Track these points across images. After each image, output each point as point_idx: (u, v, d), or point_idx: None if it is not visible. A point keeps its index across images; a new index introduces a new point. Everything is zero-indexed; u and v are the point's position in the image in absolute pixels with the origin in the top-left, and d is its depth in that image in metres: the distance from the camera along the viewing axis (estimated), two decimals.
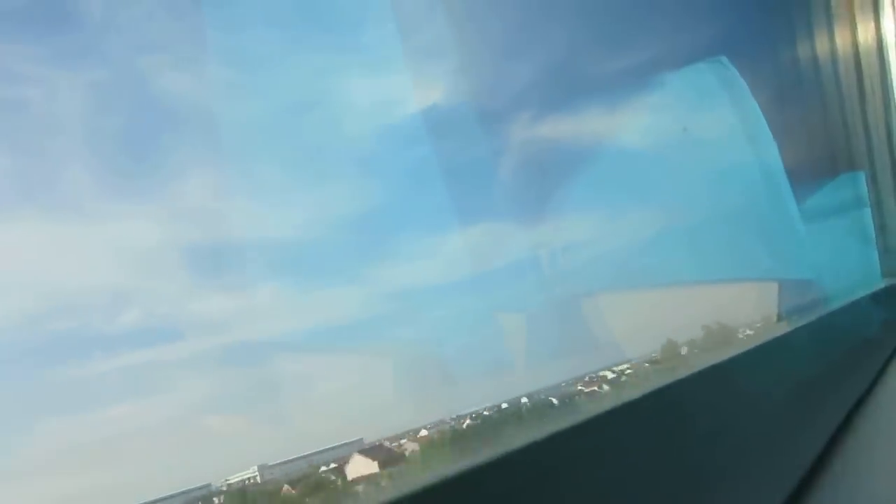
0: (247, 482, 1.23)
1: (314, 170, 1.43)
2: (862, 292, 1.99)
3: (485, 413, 1.53)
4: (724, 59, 2.17)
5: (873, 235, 2.79)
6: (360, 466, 1.28)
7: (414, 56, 1.54)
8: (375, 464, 1.29)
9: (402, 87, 1.55)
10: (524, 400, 1.59)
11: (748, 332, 1.96)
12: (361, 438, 1.33)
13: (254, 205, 1.36)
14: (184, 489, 1.13)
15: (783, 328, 1.59)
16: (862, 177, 2.86)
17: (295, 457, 1.28)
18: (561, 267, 1.79)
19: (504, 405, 1.57)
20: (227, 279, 1.30)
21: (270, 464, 1.23)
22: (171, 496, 1.09)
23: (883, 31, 2.67)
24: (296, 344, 1.33)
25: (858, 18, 2.69)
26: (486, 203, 1.67)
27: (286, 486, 1.24)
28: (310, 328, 1.37)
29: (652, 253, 1.96)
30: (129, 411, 1.12)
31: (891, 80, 2.69)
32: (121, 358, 1.17)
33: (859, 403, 1.25)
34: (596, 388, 1.67)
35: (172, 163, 1.26)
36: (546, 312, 1.70)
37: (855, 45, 2.71)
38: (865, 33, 2.69)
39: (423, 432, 1.43)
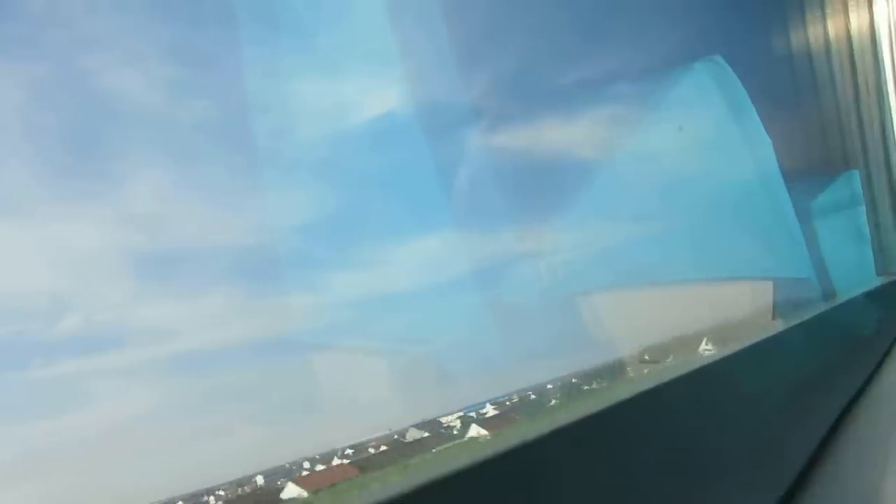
0: None
1: (267, 174, 1.39)
2: (857, 290, 1.99)
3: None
4: (719, 57, 2.16)
5: (868, 233, 2.80)
6: None
7: (371, 60, 1.52)
8: None
9: (358, 91, 1.53)
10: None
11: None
12: None
13: (204, 209, 1.32)
14: None
15: (777, 326, 1.59)
16: (857, 175, 2.87)
17: None
18: (522, 276, 1.76)
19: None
20: (174, 285, 1.26)
21: None
22: None
23: (877, 27, 2.68)
24: (246, 354, 1.30)
25: (852, 13, 2.69)
26: (442, 211, 1.65)
27: None
28: (262, 337, 1.33)
29: (649, 252, 1.95)
30: (67, 423, 1.08)
31: (884, 77, 2.69)
32: (60, 366, 1.12)
33: (854, 402, 1.25)
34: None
35: (118, 163, 1.21)
36: (503, 323, 1.68)
37: (849, 41, 2.71)
38: (859, 30, 2.69)
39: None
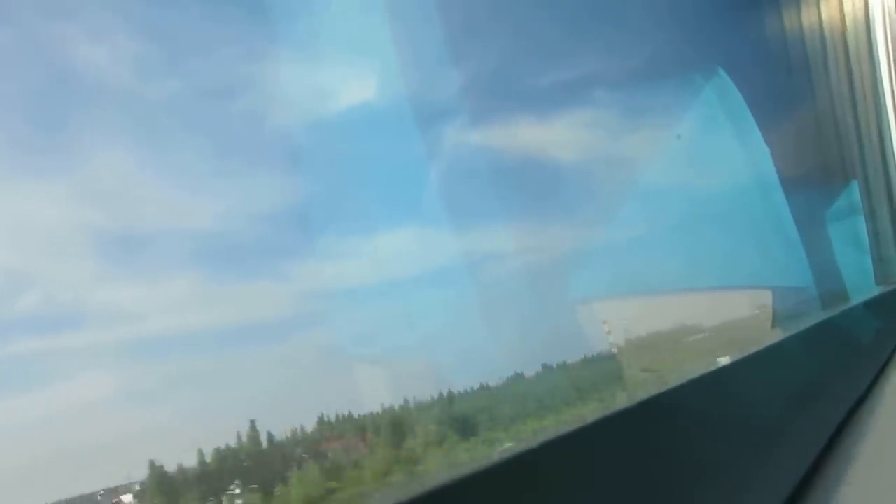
0: None
1: (237, 159, 1.36)
2: (857, 299, 1.99)
3: None
4: (720, 68, 2.17)
5: (867, 243, 2.81)
6: None
7: (350, 49, 1.50)
8: None
9: (336, 79, 1.50)
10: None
11: None
12: None
13: (171, 191, 1.29)
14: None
15: (778, 335, 1.59)
16: (856, 186, 2.88)
17: None
18: (486, 276, 1.73)
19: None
20: (137, 268, 1.22)
21: None
22: None
23: (874, 33, 2.69)
24: (207, 340, 1.26)
25: (848, 18, 2.70)
26: (413, 206, 1.63)
27: None
28: (224, 324, 1.30)
29: (635, 257, 1.94)
30: (20, 403, 1.05)
31: (881, 83, 2.70)
32: (16, 345, 1.09)
33: (855, 410, 1.26)
34: None
35: (82, 140, 1.17)
36: (464, 323, 1.64)
37: (846, 50, 2.72)
38: (856, 38, 2.70)
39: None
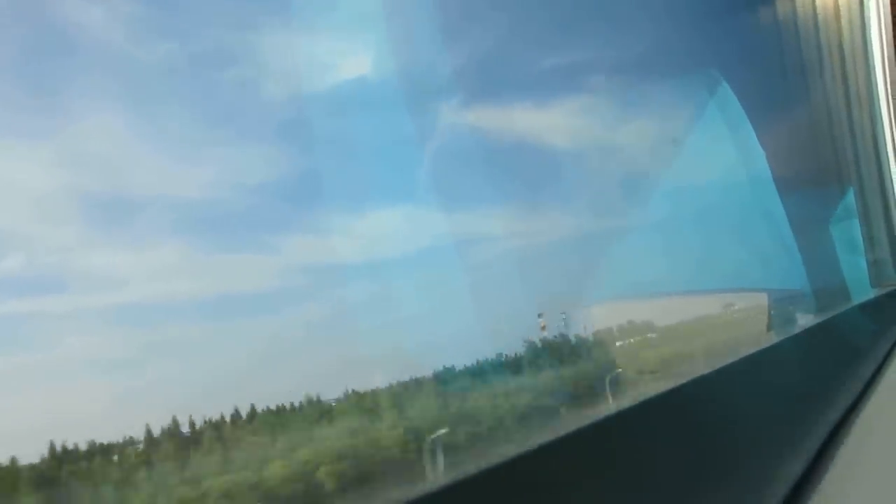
0: None
1: (229, 128, 1.35)
2: (852, 302, 2.00)
3: None
4: (715, 70, 2.18)
5: (862, 247, 2.82)
6: None
7: (347, 22, 1.48)
8: None
9: (331, 52, 1.49)
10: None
11: None
12: None
13: (160, 157, 1.27)
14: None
15: (773, 337, 1.60)
16: (851, 190, 2.89)
17: None
18: (472, 259, 1.72)
19: None
20: (124, 233, 1.21)
21: None
22: None
23: (869, 39, 2.70)
24: (191, 310, 1.25)
25: (844, 24, 2.71)
26: (405, 185, 1.62)
27: None
28: (208, 295, 1.29)
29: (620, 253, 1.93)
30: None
31: (876, 87, 2.72)
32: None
33: (850, 413, 1.26)
34: None
35: (71, 100, 1.15)
36: (448, 304, 1.63)
37: (841, 53, 2.73)
38: (852, 44, 2.72)
39: None
